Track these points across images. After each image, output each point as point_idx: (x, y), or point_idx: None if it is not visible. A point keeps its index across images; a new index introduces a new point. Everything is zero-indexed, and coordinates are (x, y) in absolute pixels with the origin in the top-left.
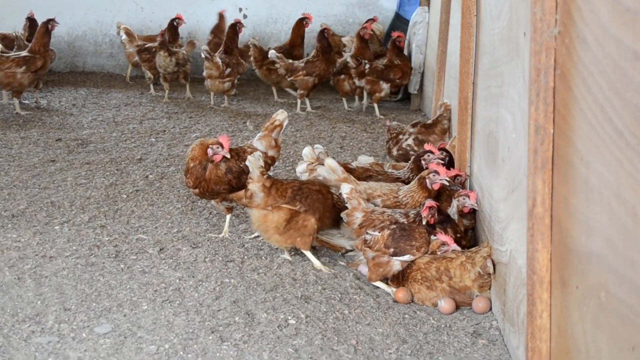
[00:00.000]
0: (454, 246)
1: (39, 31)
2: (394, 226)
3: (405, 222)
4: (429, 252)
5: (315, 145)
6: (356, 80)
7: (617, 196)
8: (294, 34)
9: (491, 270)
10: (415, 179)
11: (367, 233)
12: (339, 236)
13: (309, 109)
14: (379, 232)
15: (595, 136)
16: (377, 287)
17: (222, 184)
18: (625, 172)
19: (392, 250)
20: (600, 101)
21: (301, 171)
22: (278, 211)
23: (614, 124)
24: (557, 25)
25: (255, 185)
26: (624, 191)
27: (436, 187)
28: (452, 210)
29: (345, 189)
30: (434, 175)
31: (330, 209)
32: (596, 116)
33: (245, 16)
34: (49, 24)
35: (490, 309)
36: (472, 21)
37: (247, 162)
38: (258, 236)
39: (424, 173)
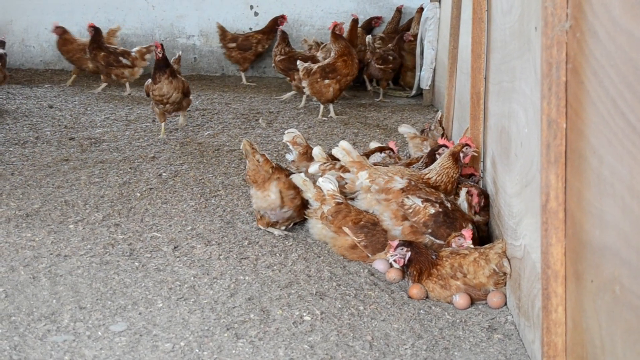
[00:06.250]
0: (469, 242)
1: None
2: (440, 208)
3: (449, 207)
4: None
5: (289, 130)
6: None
7: (630, 189)
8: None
9: (508, 270)
10: (444, 156)
11: (407, 197)
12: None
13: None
14: (422, 203)
15: (608, 130)
16: (392, 283)
17: None
18: (638, 165)
19: (430, 230)
20: (612, 94)
21: (314, 172)
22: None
23: (626, 117)
24: (569, 19)
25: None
26: (636, 184)
27: (467, 159)
28: (460, 200)
29: (363, 175)
30: (466, 149)
31: None
32: (608, 109)
33: (256, 13)
34: (279, 20)
35: (505, 304)
36: (483, 16)
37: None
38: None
39: (456, 148)
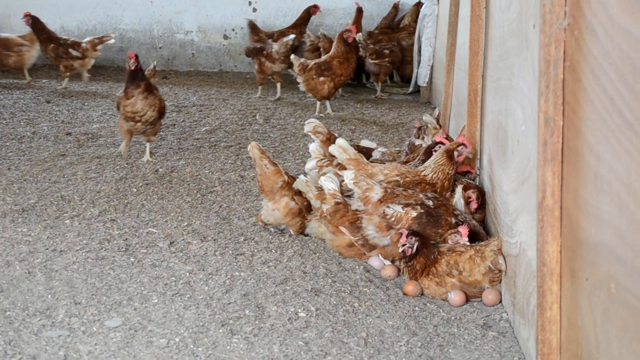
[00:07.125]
0: (465, 240)
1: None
2: (421, 210)
3: (431, 205)
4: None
5: (309, 120)
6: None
7: (627, 187)
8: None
9: (503, 267)
10: (438, 153)
11: (387, 207)
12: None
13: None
14: (403, 209)
15: (605, 127)
16: (387, 280)
17: None
18: (635, 163)
19: None
20: (610, 92)
21: (310, 168)
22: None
23: (624, 115)
24: (567, 17)
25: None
26: (633, 182)
27: (462, 158)
28: (456, 197)
29: (349, 175)
30: (461, 148)
31: None
32: (605, 107)
33: (254, 9)
34: (311, 9)
35: (500, 301)
36: (481, 14)
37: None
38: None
39: (451, 146)
